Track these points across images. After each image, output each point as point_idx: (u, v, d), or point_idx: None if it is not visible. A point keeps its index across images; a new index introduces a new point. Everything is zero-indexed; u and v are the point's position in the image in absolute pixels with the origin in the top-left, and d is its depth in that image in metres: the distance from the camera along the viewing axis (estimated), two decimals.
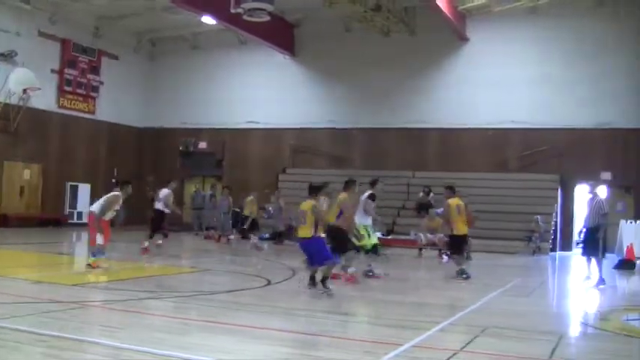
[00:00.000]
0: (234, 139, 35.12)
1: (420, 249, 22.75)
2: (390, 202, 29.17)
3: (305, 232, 12.25)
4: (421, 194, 27.42)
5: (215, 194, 30.25)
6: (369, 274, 15.44)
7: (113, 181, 34.13)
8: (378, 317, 10.56)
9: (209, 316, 9.97)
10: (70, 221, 32.16)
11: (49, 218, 31.03)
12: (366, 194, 16.11)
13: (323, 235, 13.01)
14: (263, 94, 34.39)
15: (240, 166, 34.45)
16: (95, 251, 14.99)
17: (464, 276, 15.97)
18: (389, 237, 25.01)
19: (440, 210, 25.05)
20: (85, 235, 28.35)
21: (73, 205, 32.91)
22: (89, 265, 14.75)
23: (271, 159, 33.82)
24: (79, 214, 32.88)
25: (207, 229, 28.60)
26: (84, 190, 33.25)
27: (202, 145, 35.76)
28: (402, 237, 25.11)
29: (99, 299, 10.63)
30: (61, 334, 7.80)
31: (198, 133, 35.81)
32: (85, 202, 33.17)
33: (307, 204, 12.30)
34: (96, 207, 15.24)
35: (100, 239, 15.00)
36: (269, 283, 13.78)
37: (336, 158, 32.81)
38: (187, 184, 35.86)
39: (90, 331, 8.13)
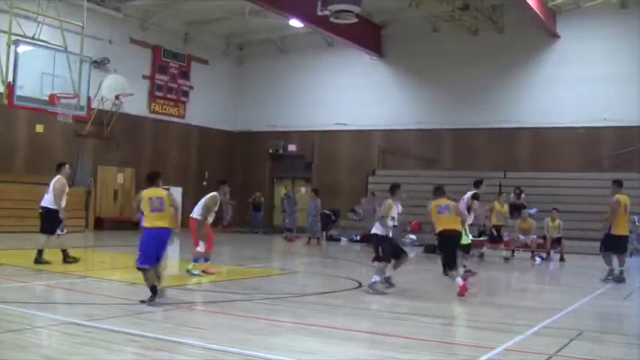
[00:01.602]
0: (323, 141, 35.19)
1: (513, 251, 22.33)
2: (481, 203, 28.81)
3: None
4: (512, 195, 27.01)
5: (291, 196, 30.03)
6: (466, 273, 15.23)
7: (204, 184, 34.72)
8: (470, 320, 10.39)
9: (298, 317, 9.98)
10: None
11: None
12: (469, 194, 15.80)
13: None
14: (351, 95, 34.36)
15: (329, 169, 34.48)
16: (197, 257, 14.86)
17: (612, 278, 15.46)
18: (481, 238, 24.66)
19: (533, 210, 24.68)
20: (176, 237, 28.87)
21: None
22: (189, 271, 14.54)
23: (360, 160, 33.74)
24: None
25: (288, 230, 28.33)
26: (176, 193, 33.66)
27: (292, 147, 35.94)
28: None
29: (191, 301, 10.73)
30: (153, 335, 7.90)
31: (287, 135, 36.02)
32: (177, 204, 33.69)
33: None
34: (196, 212, 15.09)
35: (201, 246, 14.79)
36: (360, 285, 13.71)
37: (425, 159, 32.52)
38: (277, 187, 36.14)
39: (182, 333, 8.21)
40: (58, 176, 15.78)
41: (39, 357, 6.84)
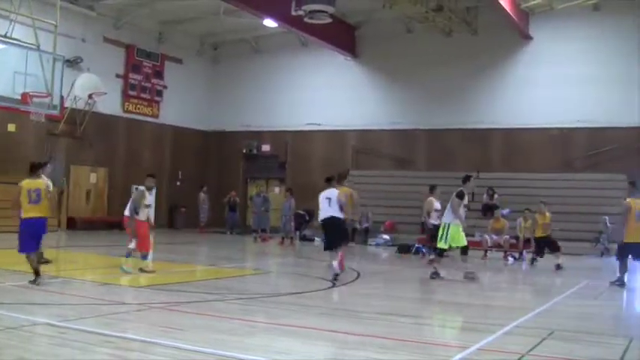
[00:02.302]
0: (296, 141, 35.21)
1: (486, 251, 22.44)
2: None
3: None
4: (485, 196, 27.19)
5: (265, 196, 29.99)
6: (469, 275, 15.28)
7: (178, 184, 34.66)
8: (444, 319, 10.45)
9: (273, 317, 9.99)
10: None
11: (115, 221, 31.37)
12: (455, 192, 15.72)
13: None
14: (325, 95, 34.40)
15: (303, 169, 34.48)
16: (128, 253, 14.67)
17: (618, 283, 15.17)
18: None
19: (506, 211, 24.82)
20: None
21: None
22: (121, 267, 14.39)
23: (334, 161, 33.70)
24: None
25: (262, 231, 28.18)
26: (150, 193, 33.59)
27: (265, 147, 35.95)
28: (467, 238, 24.79)
29: (164, 301, 10.70)
30: (126, 336, 7.89)
31: (260, 135, 36.01)
32: (151, 205, 33.58)
33: None
34: (126, 209, 15.14)
35: (133, 243, 14.69)
36: (334, 285, 13.74)
37: (399, 160, 32.61)
38: (251, 187, 36.11)
39: (155, 333, 8.18)
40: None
41: (13, 358, 6.80)
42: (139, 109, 33.72)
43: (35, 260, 12.02)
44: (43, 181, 12.83)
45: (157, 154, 34.71)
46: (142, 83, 33.69)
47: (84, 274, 14.05)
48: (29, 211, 11.98)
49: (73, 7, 29.02)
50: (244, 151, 36.23)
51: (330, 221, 14.60)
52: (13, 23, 20.95)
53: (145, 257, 14.92)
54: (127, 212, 14.98)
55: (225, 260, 20.10)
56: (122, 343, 7.61)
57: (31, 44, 21.48)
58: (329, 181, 15.31)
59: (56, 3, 22.29)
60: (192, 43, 36.82)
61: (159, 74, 34.58)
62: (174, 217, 34.99)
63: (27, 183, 12.09)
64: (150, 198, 15.42)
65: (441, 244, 15.44)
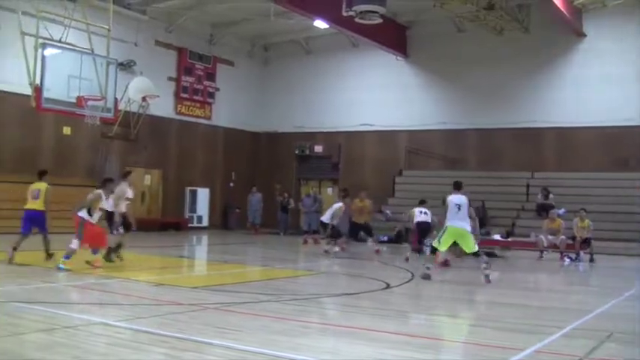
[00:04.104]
0: (349, 141, 35.16)
1: (541, 251, 22.14)
2: (509, 203, 28.71)
3: None
4: (539, 195, 26.88)
5: (317, 197, 30.11)
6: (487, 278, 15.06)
7: (231, 185, 34.82)
8: (498, 321, 10.28)
9: (326, 318, 9.97)
10: (190, 225, 32.84)
11: (170, 222, 31.72)
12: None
13: None
14: (376, 96, 34.31)
15: (355, 169, 34.42)
16: (68, 254, 14.40)
17: None
18: (508, 239, 24.50)
19: (561, 211, 24.48)
20: (203, 238, 28.98)
21: (193, 209, 33.62)
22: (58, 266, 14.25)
23: (387, 161, 33.63)
24: (199, 218, 33.62)
25: (313, 232, 27.97)
26: (203, 194, 33.93)
27: (318, 148, 35.92)
28: (522, 239, 24.55)
29: (218, 302, 10.73)
30: (181, 336, 7.90)
31: (313, 136, 36.02)
32: (205, 206, 33.89)
33: None
34: (76, 207, 15.07)
35: (75, 244, 14.48)
36: (388, 286, 13.67)
37: (450, 160, 32.37)
38: (304, 188, 36.15)
39: (209, 333, 8.19)
40: (123, 183, 16.81)
41: (68, 357, 6.86)
42: (191, 111, 34.00)
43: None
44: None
45: (209, 156, 34.96)
46: (194, 85, 33.95)
47: (139, 275, 14.15)
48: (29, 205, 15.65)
49: (125, 11, 29.38)
50: (297, 152, 36.27)
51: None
52: (67, 28, 21.23)
53: (95, 252, 15.04)
54: (77, 211, 14.92)
55: (278, 261, 20.12)
56: (177, 343, 7.63)
57: (85, 49, 21.78)
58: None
59: (109, 8, 22.57)
60: (243, 45, 37.02)
61: (211, 76, 34.83)
62: (228, 218, 35.20)
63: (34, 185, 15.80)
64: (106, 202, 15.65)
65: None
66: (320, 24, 30.65)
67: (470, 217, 15.10)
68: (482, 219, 25.44)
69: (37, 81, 20.46)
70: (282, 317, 9.50)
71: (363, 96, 34.55)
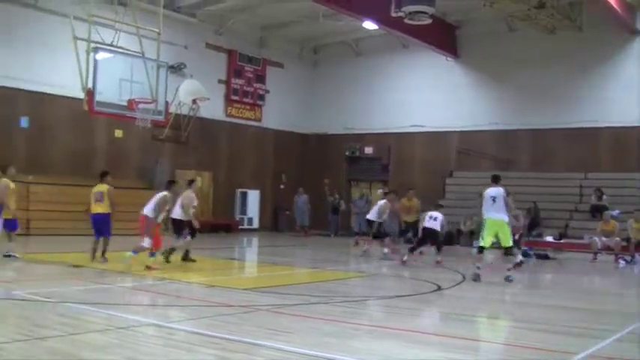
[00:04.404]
0: (399, 143, 34.99)
1: (595, 253, 21.79)
2: (562, 204, 28.31)
3: None
4: (593, 197, 26.49)
5: (368, 198, 30.05)
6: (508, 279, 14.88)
7: (281, 187, 34.90)
8: (551, 324, 10.12)
9: (376, 320, 9.91)
10: (240, 227, 32.99)
11: (221, 224, 31.86)
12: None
13: None
14: (426, 96, 34.07)
15: (405, 170, 34.24)
16: (137, 250, 14.94)
17: None
18: (561, 241, 24.17)
19: (616, 212, 24.08)
20: (253, 240, 29.07)
21: (243, 211, 33.77)
22: (125, 257, 14.77)
23: (437, 162, 33.39)
24: (250, 220, 33.75)
25: (364, 233, 27.70)
26: (253, 196, 34.06)
27: (368, 150, 35.80)
28: (575, 241, 24.21)
29: (269, 303, 10.73)
30: (232, 337, 7.92)
31: (363, 137, 35.89)
32: (255, 208, 34.02)
33: None
34: (147, 209, 15.32)
35: (147, 242, 14.97)
36: (439, 288, 13.57)
37: (501, 160, 32.00)
38: (354, 189, 36.09)
39: (260, 335, 8.20)
40: (188, 190, 17.09)
41: (120, 357, 6.92)
42: (241, 113, 34.18)
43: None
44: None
45: (259, 158, 35.10)
46: (244, 88, 34.11)
47: (190, 277, 14.24)
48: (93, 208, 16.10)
49: (175, 14, 29.64)
50: (347, 153, 36.22)
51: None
52: (118, 32, 21.45)
53: (153, 255, 15.30)
54: (147, 213, 15.27)
55: (328, 263, 20.09)
56: (227, 344, 7.65)
57: (136, 52, 21.98)
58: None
59: (159, 12, 22.77)
60: (292, 47, 37.09)
61: (260, 78, 34.97)
62: (278, 220, 35.30)
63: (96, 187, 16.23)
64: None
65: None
66: (369, 25, 30.55)
67: (507, 205, 15.01)
68: (534, 220, 25.19)
69: (89, 84, 20.69)
70: (332, 319, 9.48)
71: (413, 97, 34.34)
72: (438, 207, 20.40)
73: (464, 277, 15.34)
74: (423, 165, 33.85)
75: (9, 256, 15.94)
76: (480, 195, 15.25)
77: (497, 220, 14.83)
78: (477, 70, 33.33)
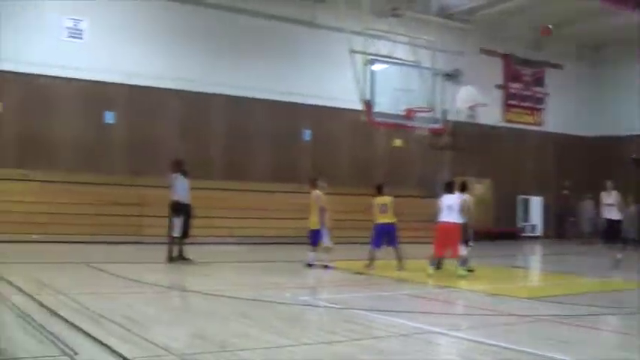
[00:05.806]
0: None
1: None
2: None
3: None
4: None
5: None
6: None
7: (564, 192, 33.77)
8: None
9: None
10: (522, 234, 32.37)
11: (503, 232, 31.41)
12: None
13: None
14: None
15: None
16: (463, 260, 15.15)
17: None
18: None
19: None
20: (536, 248, 28.36)
21: (525, 218, 33.11)
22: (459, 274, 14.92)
23: None
24: (532, 227, 33.03)
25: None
26: (536, 202, 33.32)
27: None
28: None
29: (552, 313, 10.34)
30: (513, 347, 7.67)
31: None
32: (538, 215, 33.21)
33: None
34: (453, 217, 15.34)
35: (463, 250, 15.10)
36: None
37: None
38: None
39: (541, 345, 7.87)
40: (465, 194, 16.74)
41: None
42: (521, 117, 33.59)
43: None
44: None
45: (540, 163, 34.34)
46: (522, 92, 33.48)
47: (473, 284, 14.08)
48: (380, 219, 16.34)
49: (448, 22, 29.64)
50: (633, 156, 34.28)
51: None
52: (393, 43, 21.83)
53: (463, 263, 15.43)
54: (455, 220, 15.35)
55: (617, 271, 18.98)
56: (509, 354, 7.41)
57: (411, 61, 22.25)
58: None
59: (432, 20, 22.92)
60: (570, 47, 35.85)
61: (539, 81, 34.16)
62: (563, 227, 34.20)
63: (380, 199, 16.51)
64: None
65: None
66: None
67: None
68: None
69: (367, 96, 21.21)
70: (620, 332, 8.95)
71: None
72: None
73: None
74: None
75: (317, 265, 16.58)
76: None
77: None
78: None
